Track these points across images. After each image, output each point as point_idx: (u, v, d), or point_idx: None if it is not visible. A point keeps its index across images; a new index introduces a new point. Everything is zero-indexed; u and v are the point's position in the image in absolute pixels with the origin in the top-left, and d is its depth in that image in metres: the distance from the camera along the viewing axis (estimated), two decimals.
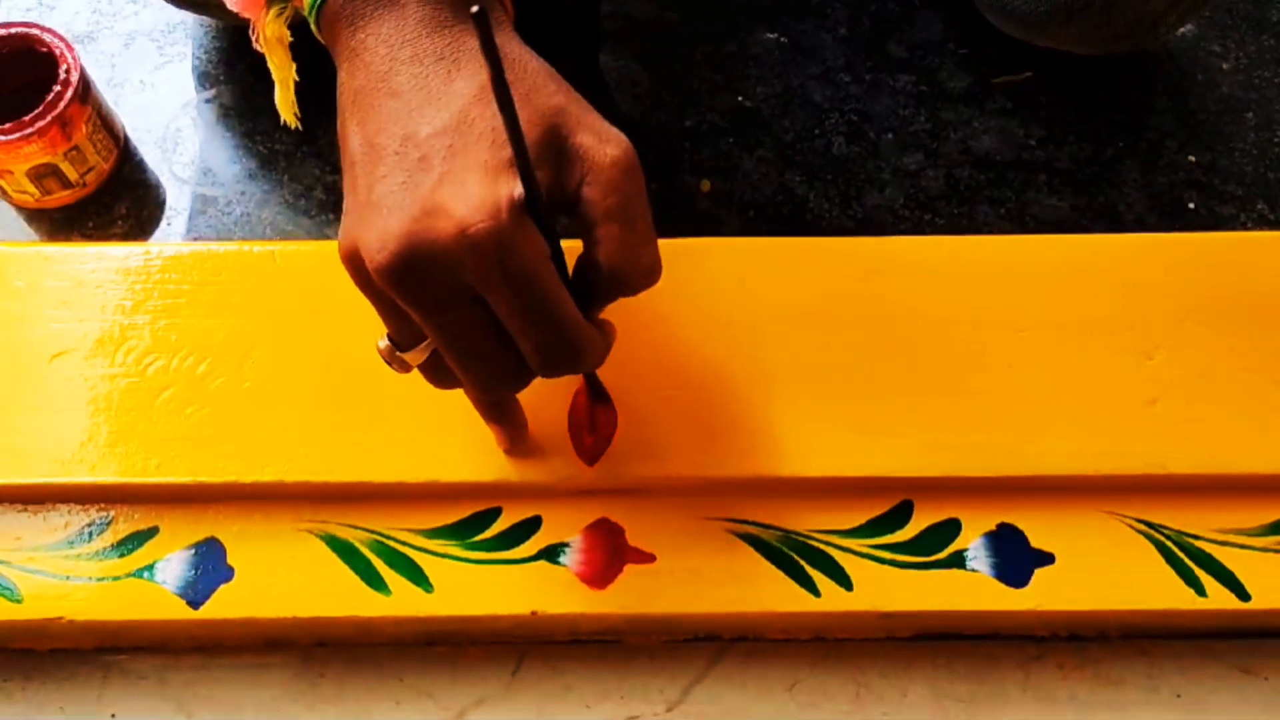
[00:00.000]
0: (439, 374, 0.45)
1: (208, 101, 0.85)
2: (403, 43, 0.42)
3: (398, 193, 0.40)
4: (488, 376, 0.43)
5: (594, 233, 0.41)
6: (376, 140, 0.41)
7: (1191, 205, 0.81)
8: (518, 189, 0.39)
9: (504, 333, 0.41)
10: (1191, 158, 0.83)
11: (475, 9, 0.35)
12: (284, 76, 0.48)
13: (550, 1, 0.83)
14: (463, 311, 0.40)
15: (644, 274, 0.42)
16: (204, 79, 0.86)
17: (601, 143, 0.41)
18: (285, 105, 0.49)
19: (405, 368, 0.45)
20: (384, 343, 0.45)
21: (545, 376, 0.43)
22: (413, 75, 0.42)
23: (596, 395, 0.50)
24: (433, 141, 0.40)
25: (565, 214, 0.42)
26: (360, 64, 0.43)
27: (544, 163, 0.41)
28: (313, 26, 0.45)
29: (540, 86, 0.42)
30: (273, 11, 0.46)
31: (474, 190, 0.39)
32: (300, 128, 0.49)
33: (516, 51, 0.43)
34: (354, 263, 0.41)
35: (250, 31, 0.47)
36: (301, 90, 0.48)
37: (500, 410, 0.49)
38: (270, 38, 0.46)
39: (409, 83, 0.42)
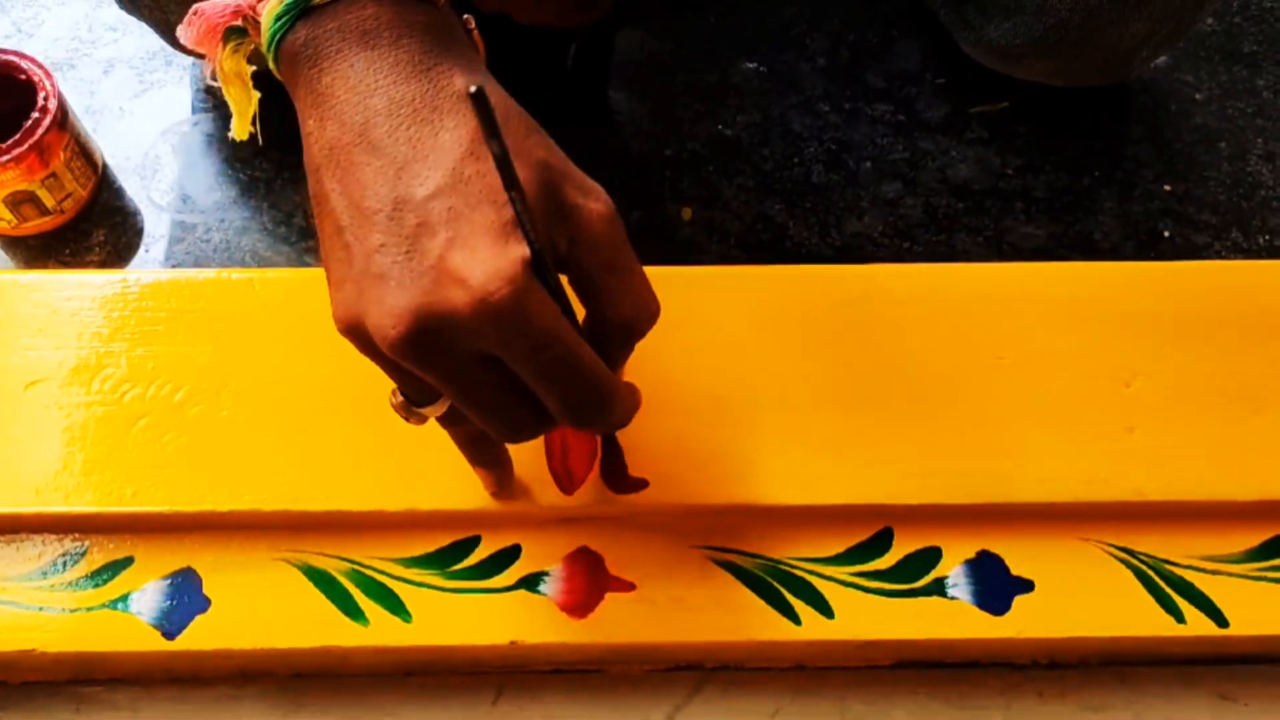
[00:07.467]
0: (456, 420, 0.44)
1: (187, 129, 0.85)
2: (375, 89, 0.40)
3: (402, 263, 0.38)
4: (510, 428, 0.42)
5: (594, 288, 0.41)
6: (364, 204, 0.39)
7: (1166, 233, 0.82)
8: (526, 250, 0.38)
9: (523, 386, 0.40)
10: (1166, 187, 0.83)
11: (473, 89, 0.34)
12: (243, 110, 0.46)
13: (563, 34, 0.83)
14: (481, 373, 0.40)
15: (650, 316, 0.42)
16: (183, 106, 0.86)
17: (586, 197, 0.41)
18: (241, 130, 0.47)
19: (422, 420, 0.44)
20: (397, 399, 0.43)
21: (577, 429, 0.42)
22: (392, 128, 0.40)
23: (614, 466, 0.50)
24: (430, 205, 0.39)
25: (559, 270, 0.41)
26: (330, 113, 0.41)
27: (539, 221, 0.40)
28: (270, 64, 0.43)
29: (525, 136, 0.41)
30: (229, 47, 0.44)
31: (485, 256, 0.38)
32: (260, 141, 0.47)
33: (497, 97, 0.41)
34: (358, 335, 0.40)
35: (205, 67, 0.45)
36: (279, 116, 0.47)
37: (490, 456, 0.48)
38: (228, 73, 0.45)
39: (389, 136, 0.40)
